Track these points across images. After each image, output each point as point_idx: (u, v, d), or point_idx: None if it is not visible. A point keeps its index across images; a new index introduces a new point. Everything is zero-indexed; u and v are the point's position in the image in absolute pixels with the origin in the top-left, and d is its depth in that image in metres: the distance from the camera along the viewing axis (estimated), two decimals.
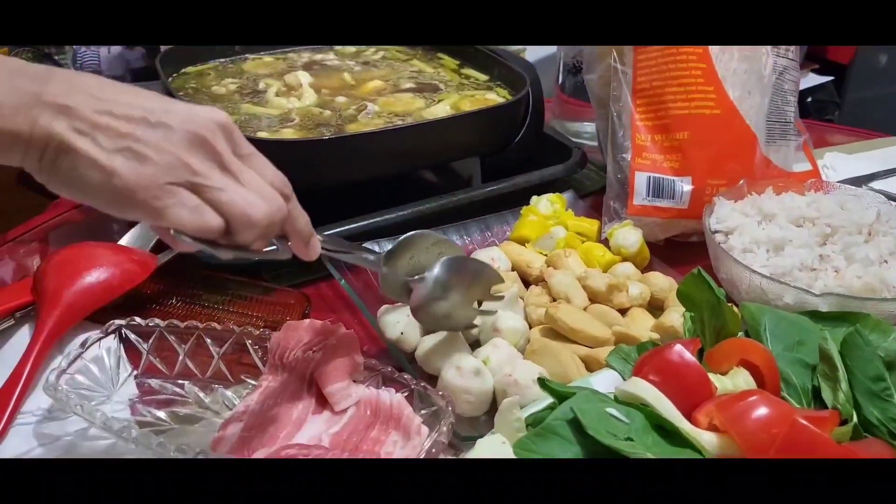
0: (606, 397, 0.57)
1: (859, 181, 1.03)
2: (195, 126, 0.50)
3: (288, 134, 0.92)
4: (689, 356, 0.58)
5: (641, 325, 0.74)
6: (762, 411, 0.53)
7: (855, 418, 0.57)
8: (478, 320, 0.71)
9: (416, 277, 0.68)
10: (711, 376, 0.59)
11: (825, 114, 2.06)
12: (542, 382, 0.57)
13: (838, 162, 1.10)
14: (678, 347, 0.59)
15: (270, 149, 0.84)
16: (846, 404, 0.57)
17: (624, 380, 0.63)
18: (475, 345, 0.71)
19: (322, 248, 0.59)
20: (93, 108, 0.47)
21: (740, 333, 0.64)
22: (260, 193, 0.52)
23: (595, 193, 1.03)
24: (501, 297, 0.72)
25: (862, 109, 2.07)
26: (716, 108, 0.88)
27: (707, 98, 0.88)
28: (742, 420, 0.53)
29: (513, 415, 0.55)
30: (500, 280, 0.72)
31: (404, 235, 0.69)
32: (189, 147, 0.49)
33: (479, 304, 0.73)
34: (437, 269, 0.67)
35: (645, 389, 0.56)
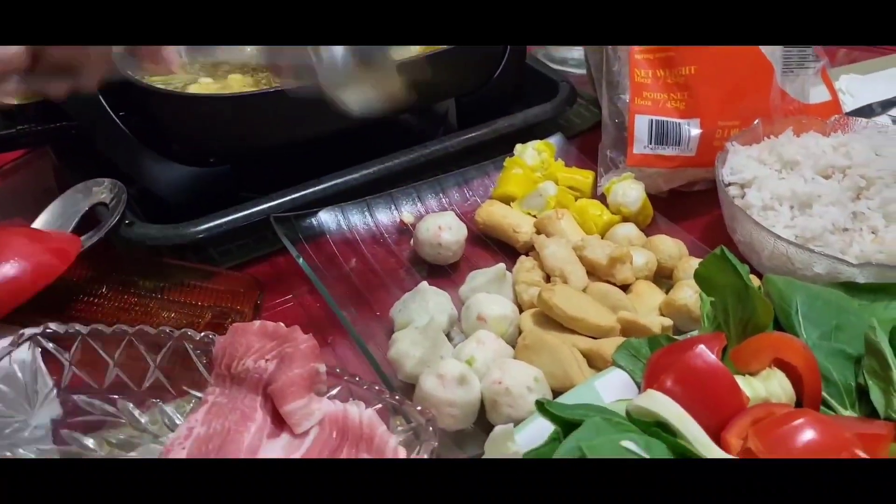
0: (620, 418, 0.47)
1: (881, 107, 0.93)
2: None
3: (235, 82, 0.78)
4: (714, 359, 0.49)
5: (649, 303, 0.64)
6: (809, 436, 0.44)
7: None
8: None
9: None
10: (740, 380, 0.50)
11: None
12: (542, 407, 0.46)
13: (854, 85, 0.99)
14: (700, 349, 0.49)
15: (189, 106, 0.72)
16: None
17: (634, 380, 0.54)
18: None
19: None
20: None
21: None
22: None
23: (586, 133, 0.91)
24: None
25: None
26: None
27: None
28: (786, 448, 0.44)
29: (507, 448, 0.46)
30: None
31: None
32: None
33: None
34: None
35: (665, 406, 0.47)
